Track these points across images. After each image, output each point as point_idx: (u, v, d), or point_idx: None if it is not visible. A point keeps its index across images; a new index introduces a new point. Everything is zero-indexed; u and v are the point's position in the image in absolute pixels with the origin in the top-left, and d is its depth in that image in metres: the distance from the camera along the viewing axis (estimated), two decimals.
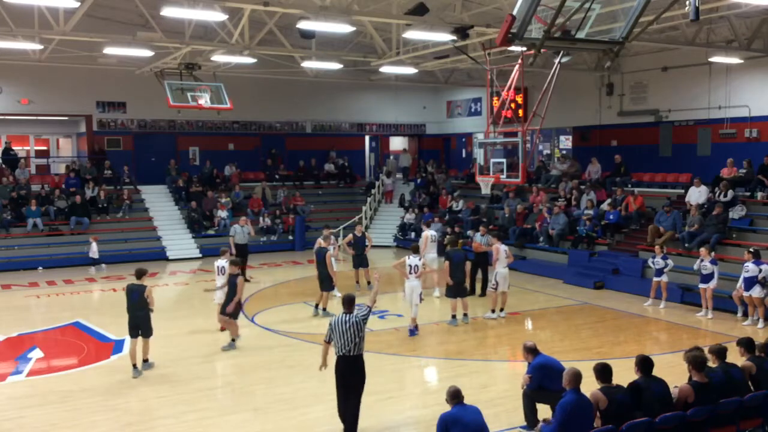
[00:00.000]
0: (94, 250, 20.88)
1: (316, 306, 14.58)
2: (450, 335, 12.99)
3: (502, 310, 14.23)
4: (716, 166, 19.03)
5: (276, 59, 21.94)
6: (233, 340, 11.99)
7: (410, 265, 12.91)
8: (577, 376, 6.59)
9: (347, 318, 7.95)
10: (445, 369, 11.29)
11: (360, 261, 16.98)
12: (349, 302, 8.17)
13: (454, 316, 13.66)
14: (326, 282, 14.37)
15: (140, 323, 10.52)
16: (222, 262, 13.62)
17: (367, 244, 17.04)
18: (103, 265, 20.77)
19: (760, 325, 13.35)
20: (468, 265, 14.05)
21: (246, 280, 18.23)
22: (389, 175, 28.04)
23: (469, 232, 21.66)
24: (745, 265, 13.45)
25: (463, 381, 9.50)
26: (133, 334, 10.58)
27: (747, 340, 7.90)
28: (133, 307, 10.49)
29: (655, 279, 15.21)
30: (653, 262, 15.20)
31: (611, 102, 23.33)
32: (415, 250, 13.45)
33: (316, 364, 8.62)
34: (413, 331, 12.90)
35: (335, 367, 7.96)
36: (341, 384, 7.98)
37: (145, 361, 10.89)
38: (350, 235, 17.26)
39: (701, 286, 14.36)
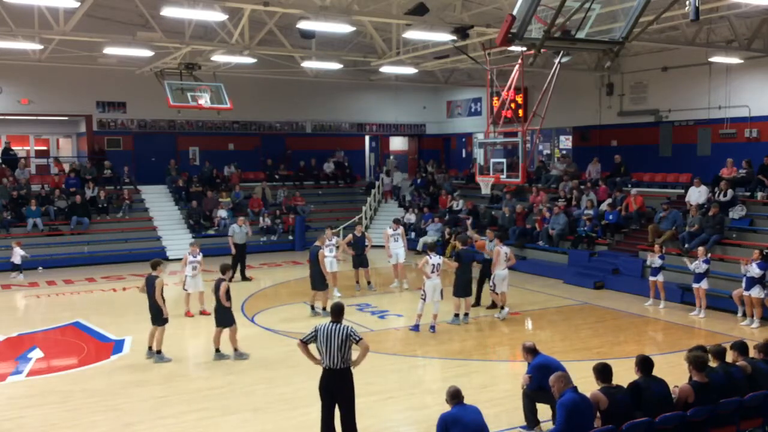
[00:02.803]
0: (16, 255, 19.54)
1: (312, 307, 14.57)
2: (450, 335, 12.99)
3: (502, 308, 14.23)
4: (716, 166, 19.03)
5: (276, 59, 21.94)
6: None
7: (433, 264, 13.03)
8: (565, 378, 6.65)
9: (335, 327, 7.38)
10: (445, 369, 11.29)
11: (360, 261, 16.99)
12: (337, 312, 7.57)
13: (456, 315, 13.69)
14: (317, 280, 14.37)
15: (153, 311, 11.30)
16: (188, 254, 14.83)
17: (366, 244, 17.05)
18: (21, 275, 19.29)
19: (755, 325, 13.35)
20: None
21: (247, 279, 18.42)
22: (389, 174, 28.06)
23: (469, 232, 21.72)
24: (751, 263, 13.41)
25: (463, 381, 9.51)
26: (151, 321, 11.41)
27: (740, 344, 7.89)
28: (149, 296, 11.33)
29: (651, 278, 15.23)
30: (651, 261, 15.19)
31: (611, 102, 23.33)
32: (432, 249, 13.69)
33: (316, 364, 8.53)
34: (432, 327, 13.07)
35: (320, 380, 7.50)
36: (327, 398, 7.46)
37: (158, 351, 11.41)
38: (350, 235, 17.27)
39: (694, 285, 14.42)
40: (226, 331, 11.50)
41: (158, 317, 11.31)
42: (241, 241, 18.39)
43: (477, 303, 15.07)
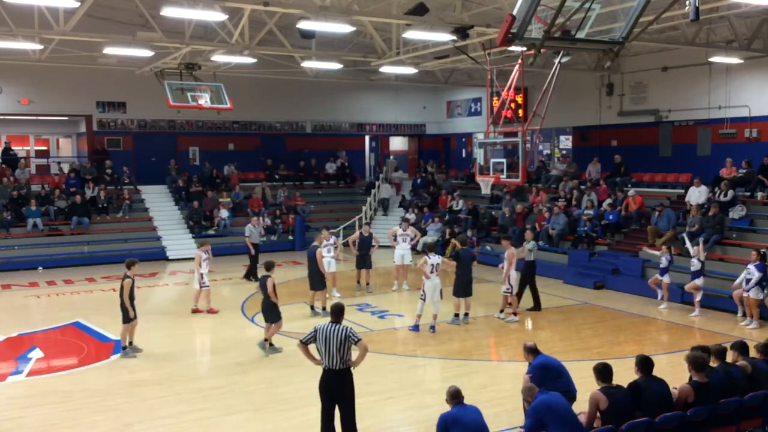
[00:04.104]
0: None
1: (312, 307, 14.57)
2: (450, 335, 12.99)
3: (514, 314, 14.19)
4: (716, 166, 19.03)
5: (276, 59, 21.94)
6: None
7: (432, 264, 13.01)
8: (533, 389, 6.68)
9: (334, 328, 7.37)
10: (445, 369, 11.29)
11: (363, 262, 16.92)
12: (337, 312, 7.56)
13: (456, 315, 13.68)
14: (315, 280, 14.39)
15: (122, 310, 11.49)
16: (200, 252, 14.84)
17: (373, 244, 16.98)
18: None
19: (753, 325, 13.33)
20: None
21: (249, 280, 18.40)
22: (389, 180, 28.10)
23: (470, 232, 21.74)
24: (748, 266, 13.44)
25: (463, 381, 9.50)
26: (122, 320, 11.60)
27: (740, 344, 7.89)
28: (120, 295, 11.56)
29: (658, 277, 15.19)
30: (659, 258, 15.18)
31: (611, 102, 23.33)
32: (431, 249, 13.60)
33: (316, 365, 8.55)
34: (432, 327, 13.06)
35: (320, 381, 7.49)
36: (327, 399, 7.45)
37: (123, 347, 11.64)
38: (357, 233, 17.22)
39: (692, 283, 14.45)
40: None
41: (123, 315, 11.49)
42: (257, 240, 18.50)
43: (538, 307, 14.97)
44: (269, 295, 11.47)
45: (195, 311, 14.72)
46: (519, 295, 14.71)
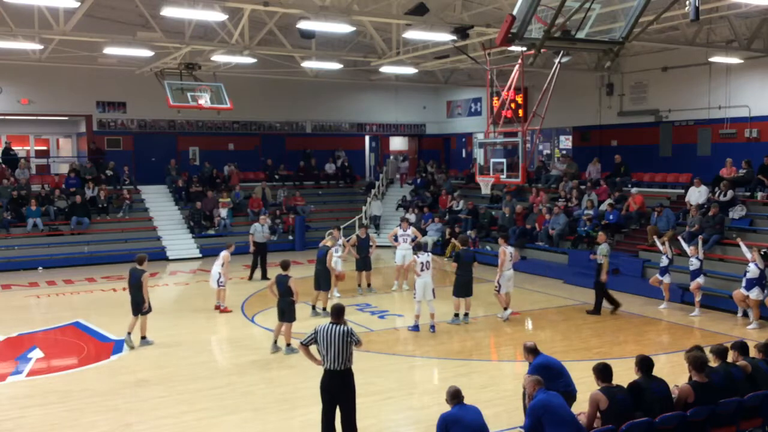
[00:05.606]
0: None
1: (314, 307, 14.57)
2: (450, 335, 12.99)
3: (505, 309, 14.18)
4: (716, 166, 19.03)
5: (276, 59, 21.95)
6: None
7: (422, 263, 13.00)
8: (538, 381, 6.67)
9: (335, 328, 7.39)
10: (445, 369, 11.28)
11: (363, 263, 16.90)
12: (337, 313, 7.55)
13: (456, 315, 13.68)
14: (322, 279, 14.39)
15: (134, 302, 11.88)
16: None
17: (371, 244, 17.00)
18: None
19: (753, 325, 13.30)
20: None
21: (267, 279, 18.31)
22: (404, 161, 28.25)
23: (470, 233, 21.72)
24: (748, 265, 13.44)
25: (463, 381, 9.51)
26: (133, 312, 11.96)
27: (740, 344, 7.89)
28: (130, 287, 11.96)
29: (658, 277, 15.19)
30: (661, 260, 15.20)
31: (611, 102, 23.33)
32: (420, 248, 13.52)
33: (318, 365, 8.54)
34: (432, 327, 13.04)
35: (321, 381, 7.52)
36: (328, 400, 7.48)
37: (143, 338, 12.04)
38: (354, 237, 17.23)
39: (695, 282, 14.44)
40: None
41: (140, 308, 11.82)
42: (262, 240, 18.49)
43: (616, 305, 14.72)
44: (294, 294, 11.36)
45: (224, 310, 14.73)
46: (599, 300, 14.59)
